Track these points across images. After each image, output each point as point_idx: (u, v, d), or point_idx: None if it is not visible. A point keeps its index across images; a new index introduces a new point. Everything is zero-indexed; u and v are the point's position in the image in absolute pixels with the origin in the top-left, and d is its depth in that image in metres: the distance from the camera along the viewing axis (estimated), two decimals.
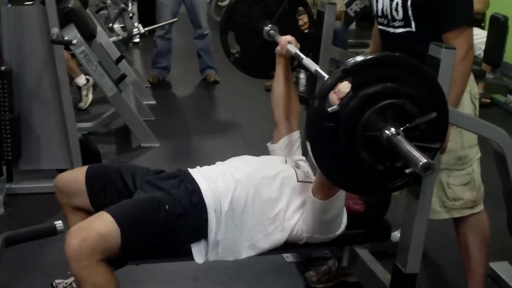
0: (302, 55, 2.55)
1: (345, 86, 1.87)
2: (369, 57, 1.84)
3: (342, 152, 1.85)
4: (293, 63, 2.80)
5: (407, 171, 1.81)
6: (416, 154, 1.72)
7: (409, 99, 1.84)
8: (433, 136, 1.92)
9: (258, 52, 2.90)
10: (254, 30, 2.87)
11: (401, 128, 1.81)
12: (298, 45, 2.66)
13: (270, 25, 2.85)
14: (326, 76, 2.23)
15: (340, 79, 1.81)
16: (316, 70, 2.40)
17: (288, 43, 2.64)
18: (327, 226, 2.31)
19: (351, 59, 1.82)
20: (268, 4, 2.87)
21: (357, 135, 1.83)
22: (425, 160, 1.69)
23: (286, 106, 2.70)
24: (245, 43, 2.93)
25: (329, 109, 1.80)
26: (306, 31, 3.01)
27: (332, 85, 1.81)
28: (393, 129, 1.80)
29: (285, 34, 2.72)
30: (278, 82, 2.71)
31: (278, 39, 2.72)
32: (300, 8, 3.00)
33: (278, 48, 2.68)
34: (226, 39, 2.91)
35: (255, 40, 2.88)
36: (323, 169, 1.92)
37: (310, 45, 2.92)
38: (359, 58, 1.81)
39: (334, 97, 1.89)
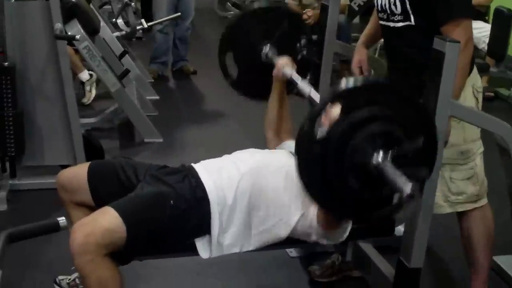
0: (297, 78, 2.53)
1: (336, 110, 1.85)
2: (359, 83, 1.83)
3: (330, 177, 1.83)
4: (294, 88, 2.70)
5: (396, 196, 1.79)
6: (401, 180, 1.69)
7: (398, 125, 1.83)
8: (422, 160, 1.90)
9: (256, 74, 2.82)
10: (253, 52, 2.79)
11: (389, 153, 1.78)
12: (295, 66, 2.61)
13: (269, 47, 2.77)
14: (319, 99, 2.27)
15: (329, 104, 1.81)
16: (310, 95, 2.42)
17: (284, 66, 2.60)
18: (329, 240, 2.33)
19: (341, 84, 1.80)
20: (267, 26, 2.80)
21: (345, 159, 1.80)
22: (409, 189, 1.66)
23: (277, 128, 2.69)
24: (244, 64, 2.86)
25: (317, 133, 1.79)
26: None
27: (321, 110, 1.80)
28: (380, 155, 1.77)
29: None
30: (273, 105, 2.68)
31: (276, 62, 2.66)
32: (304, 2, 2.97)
33: (274, 71, 2.64)
34: (224, 60, 2.84)
35: (253, 62, 2.80)
36: (311, 193, 1.90)
37: (308, 67, 2.89)
38: (349, 84, 1.80)
39: (326, 121, 1.87)
